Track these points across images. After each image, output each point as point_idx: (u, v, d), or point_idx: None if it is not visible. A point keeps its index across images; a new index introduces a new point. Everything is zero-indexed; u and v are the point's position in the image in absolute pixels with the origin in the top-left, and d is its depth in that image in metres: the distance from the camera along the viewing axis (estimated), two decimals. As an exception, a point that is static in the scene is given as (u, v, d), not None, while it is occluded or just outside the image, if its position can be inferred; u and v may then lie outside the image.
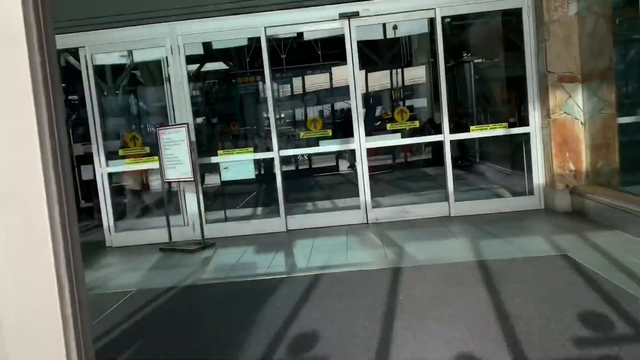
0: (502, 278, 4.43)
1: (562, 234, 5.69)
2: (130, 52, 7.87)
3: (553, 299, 3.86)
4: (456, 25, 10.54)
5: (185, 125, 6.65)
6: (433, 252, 5.51)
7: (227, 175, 7.29)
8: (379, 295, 4.28)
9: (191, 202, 7.18)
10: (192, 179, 6.70)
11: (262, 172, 9.10)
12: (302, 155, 12.15)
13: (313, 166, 13.74)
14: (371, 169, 7.34)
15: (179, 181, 6.93)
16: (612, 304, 3.66)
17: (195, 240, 7.04)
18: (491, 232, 6.06)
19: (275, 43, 13.42)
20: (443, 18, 6.90)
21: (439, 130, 12.42)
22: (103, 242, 7.52)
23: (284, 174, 7.33)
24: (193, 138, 7.12)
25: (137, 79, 9.29)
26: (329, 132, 7.28)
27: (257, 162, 8.76)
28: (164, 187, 7.03)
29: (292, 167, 13.04)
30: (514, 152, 8.59)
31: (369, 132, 7.55)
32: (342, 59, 7.85)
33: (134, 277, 5.79)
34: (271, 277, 5.13)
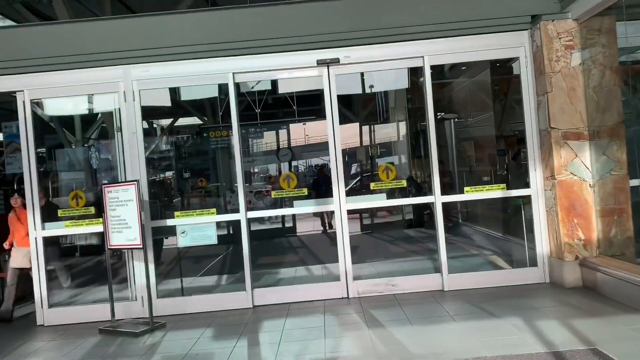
0: (526, 385, 3.45)
1: (580, 318, 4.78)
2: (77, 98, 6.92)
3: None
4: (441, 76, 10.00)
5: (135, 182, 5.65)
6: (431, 342, 4.50)
7: (185, 241, 6.24)
8: (370, 412, 3.23)
9: (140, 272, 6.07)
10: (141, 246, 5.63)
11: (228, 234, 8.05)
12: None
13: (287, 225, 12.72)
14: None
15: (126, 248, 5.85)
16: None
17: (143, 319, 5.90)
18: (495, 313, 5.10)
19: (246, 93, 12.71)
20: (432, 67, 6.20)
21: (420, 189, 11.65)
22: (34, 320, 6.29)
23: (253, 235, 6.36)
24: (146, 197, 6.13)
25: (84, 129, 8.29)
26: (305, 191, 6.37)
27: (223, 225, 7.76)
28: (108, 254, 5.93)
29: (262, 227, 11.96)
30: (509, 214, 7.79)
31: (348, 191, 6.66)
32: (319, 112, 7.07)
33: (57, 372, 4.60)
34: (229, 379, 4.04)
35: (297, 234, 11.78)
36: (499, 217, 8.57)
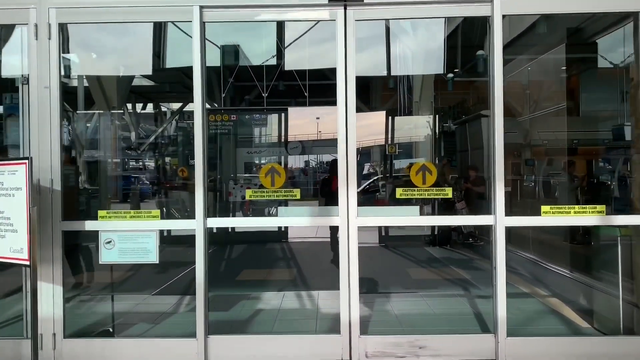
0: None
1: None
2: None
3: None
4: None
5: (27, 161, 3.56)
6: None
7: (110, 255, 4.13)
8: None
9: (38, 299, 3.99)
10: (28, 262, 3.54)
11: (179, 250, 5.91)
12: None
13: (274, 229, 10.45)
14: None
15: (9, 262, 3.76)
16: None
17: (32, 371, 3.80)
18: None
19: (251, 69, 10.66)
20: (505, 17, 4.05)
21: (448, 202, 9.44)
22: None
23: (228, 239, 4.26)
24: (57, 186, 4.05)
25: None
26: (295, 193, 4.23)
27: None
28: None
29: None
30: (584, 244, 5.65)
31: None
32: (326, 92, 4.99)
33: None
34: None
35: (289, 241, 9.62)
36: (562, 245, 6.42)
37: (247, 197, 4.12)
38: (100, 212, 4.12)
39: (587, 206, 4.06)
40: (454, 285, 6.68)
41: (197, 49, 4.06)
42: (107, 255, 4.11)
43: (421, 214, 4.24)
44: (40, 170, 4.03)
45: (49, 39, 4.09)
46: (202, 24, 4.07)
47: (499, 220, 3.97)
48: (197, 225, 4.04)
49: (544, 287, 6.45)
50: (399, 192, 4.09)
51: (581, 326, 4.74)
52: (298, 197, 4.19)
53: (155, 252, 4.09)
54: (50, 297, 4.06)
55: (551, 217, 4.04)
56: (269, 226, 8.06)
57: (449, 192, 4.11)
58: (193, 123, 4.25)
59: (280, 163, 14.57)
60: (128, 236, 4.08)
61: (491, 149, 4.06)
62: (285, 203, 4.67)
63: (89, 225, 4.13)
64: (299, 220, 4.25)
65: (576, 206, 4.06)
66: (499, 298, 3.99)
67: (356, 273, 4.02)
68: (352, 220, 4.03)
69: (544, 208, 4.02)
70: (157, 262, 4.09)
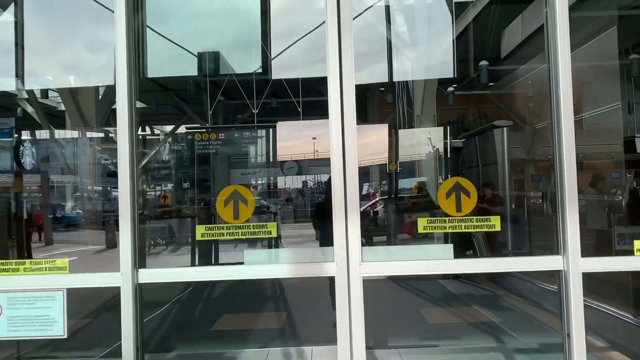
0: None
1: None
2: None
3: None
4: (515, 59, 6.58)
5: None
6: None
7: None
8: None
9: None
10: None
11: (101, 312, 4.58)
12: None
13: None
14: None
15: None
16: None
17: None
18: None
19: (237, 81, 9.49)
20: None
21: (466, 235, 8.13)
22: None
23: None
24: None
25: None
26: (270, 229, 2.92)
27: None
28: None
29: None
30: None
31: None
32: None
33: None
34: None
35: (281, 278, 8.25)
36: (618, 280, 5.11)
37: (198, 237, 2.80)
38: (-18, 264, 2.80)
39: None
40: (482, 332, 5.34)
41: (121, 27, 2.79)
42: (-8, 328, 2.78)
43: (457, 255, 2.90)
44: None
45: None
46: (132, -12, 2.82)
47: (573, 263, 2.66)
48: (122, 280, 2.71)
49: (594, 333, 5.11)
50: (422, 225, 2.77)
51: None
52: (274, 234, 2.88)
53: (61, 320, 2.75)
54: None
55: (650, 258, 2.72)
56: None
57: (496, 224, 2.79)
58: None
59: (271, 184, 13.34)
60: (22, 298, 2.76)
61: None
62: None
63: (-36, 283, 2.80)
64: (275, 270, 2.93)
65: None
66: (577, 382, 2.65)
67: (363, 347, 2.69)
68: (354, 268, 2.72)
69: (638, 244, 2.71)
70: (65, 335, 2.76)
